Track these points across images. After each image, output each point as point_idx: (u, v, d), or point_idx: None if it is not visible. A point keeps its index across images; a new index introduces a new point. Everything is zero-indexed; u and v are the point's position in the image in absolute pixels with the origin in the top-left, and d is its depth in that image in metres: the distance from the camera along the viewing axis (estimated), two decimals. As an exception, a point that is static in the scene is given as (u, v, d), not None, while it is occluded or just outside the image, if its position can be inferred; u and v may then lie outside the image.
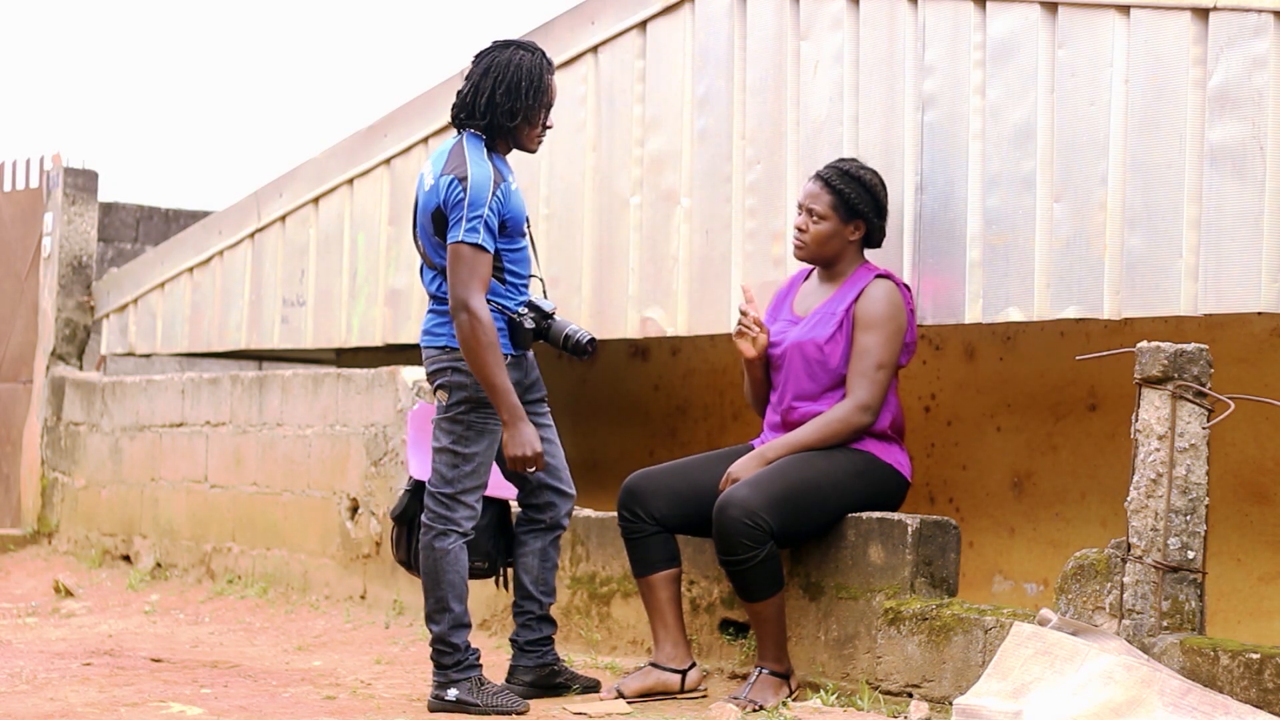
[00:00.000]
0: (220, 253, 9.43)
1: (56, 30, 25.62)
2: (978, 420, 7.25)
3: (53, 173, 10.43)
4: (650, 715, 5.49)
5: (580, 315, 7.38)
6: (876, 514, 5.67)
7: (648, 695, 5.69)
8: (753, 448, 5.85)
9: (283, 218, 9.01)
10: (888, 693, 5.49)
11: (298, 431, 8.38)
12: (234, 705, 5.63)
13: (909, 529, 5.54)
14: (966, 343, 7.32)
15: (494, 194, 5.47)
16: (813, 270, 6.00)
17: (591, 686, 5.83)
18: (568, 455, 5.96)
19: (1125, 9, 5.54)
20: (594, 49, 7.39)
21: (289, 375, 8.53)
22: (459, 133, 5.62)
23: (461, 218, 5.45)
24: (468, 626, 5.57)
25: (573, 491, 5.85)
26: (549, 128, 5.66)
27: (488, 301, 5.52)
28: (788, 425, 5.81)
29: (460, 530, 5.57)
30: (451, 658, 5.53)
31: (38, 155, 10.57)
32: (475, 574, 5.81)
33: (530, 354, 5.78)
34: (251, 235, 9.21)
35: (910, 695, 5.43)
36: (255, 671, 6.39)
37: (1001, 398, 7.17)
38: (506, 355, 5.60)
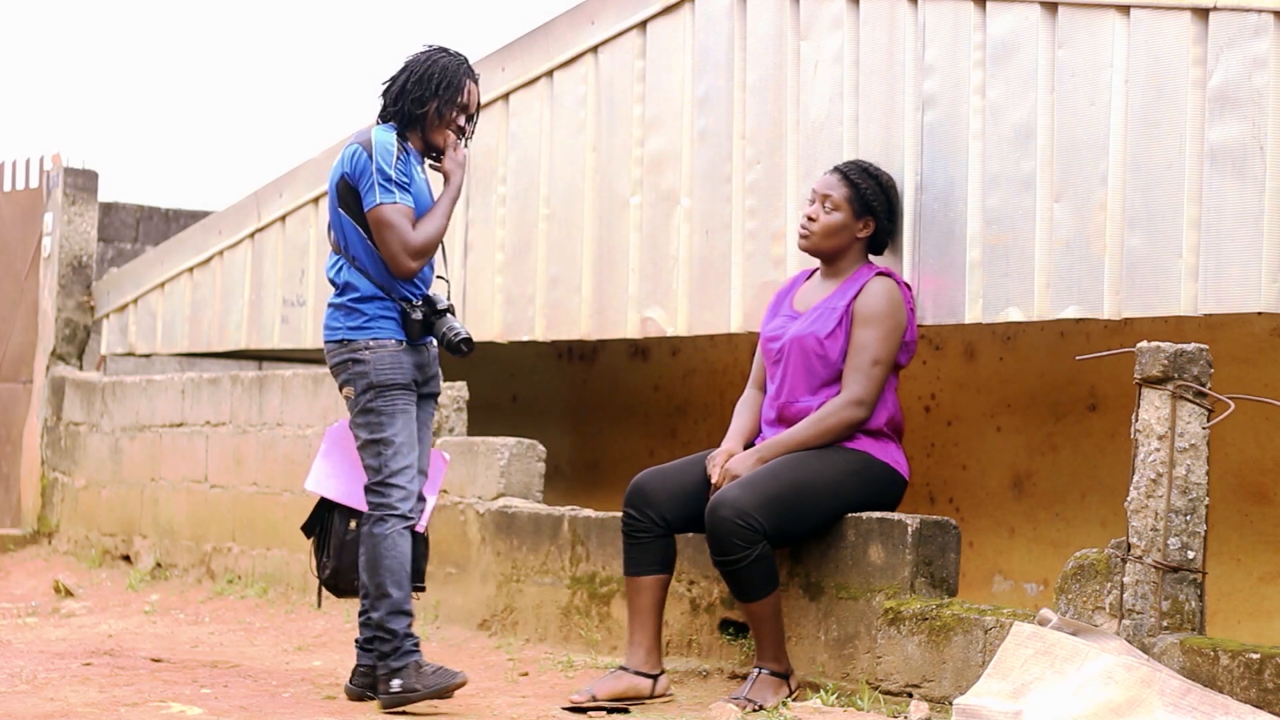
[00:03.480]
0: (220, 253, 9.43)
1: (56, 30, 25.62)
2: (978, 420, 7.25)
3: (53, 173, 10.43)
4: (650, 715, 5.49)
5: (580, 315, 7.38)
6: (876, 514, 5.67)
7: (619, 699, 5.64)
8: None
9: (283, 218, 9.01)
10: (888, 693, 5.49)
11: (298, 431, 8.38)
12: (234, 705, 5.63)
13: (909, 529, 5.54)
14: (966, 343, 7.32)
15: (398, 159, 5.58)
16: (815, 270, 6.01)
17: (442, 693, 5.70)
18: (568, 455, 5.96)
19: (1125, 9, 5.54)
20: (594, 49, 7.39)
21: (289, 375, 8.53)
22: None
23: (372, 183, 5.56)
24: (407, 614, 5.59)
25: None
26: (467, 136, 5.74)
27: (381, 293, 5.61)
28: (784, 420, 5.82)
29: (397, 513, 5.59)
30: (390, 644, 5.55)
31: (38, 155, 10.57)
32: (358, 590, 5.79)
33: (432, 351, 5.79)
34: (251, 235, 9.21)
35: (910, 695, 5.43)
36: (255, 671, 6.39)
37: (1001, 398, 7.17)
38: (401, 341, 5.64)
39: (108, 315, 10.28)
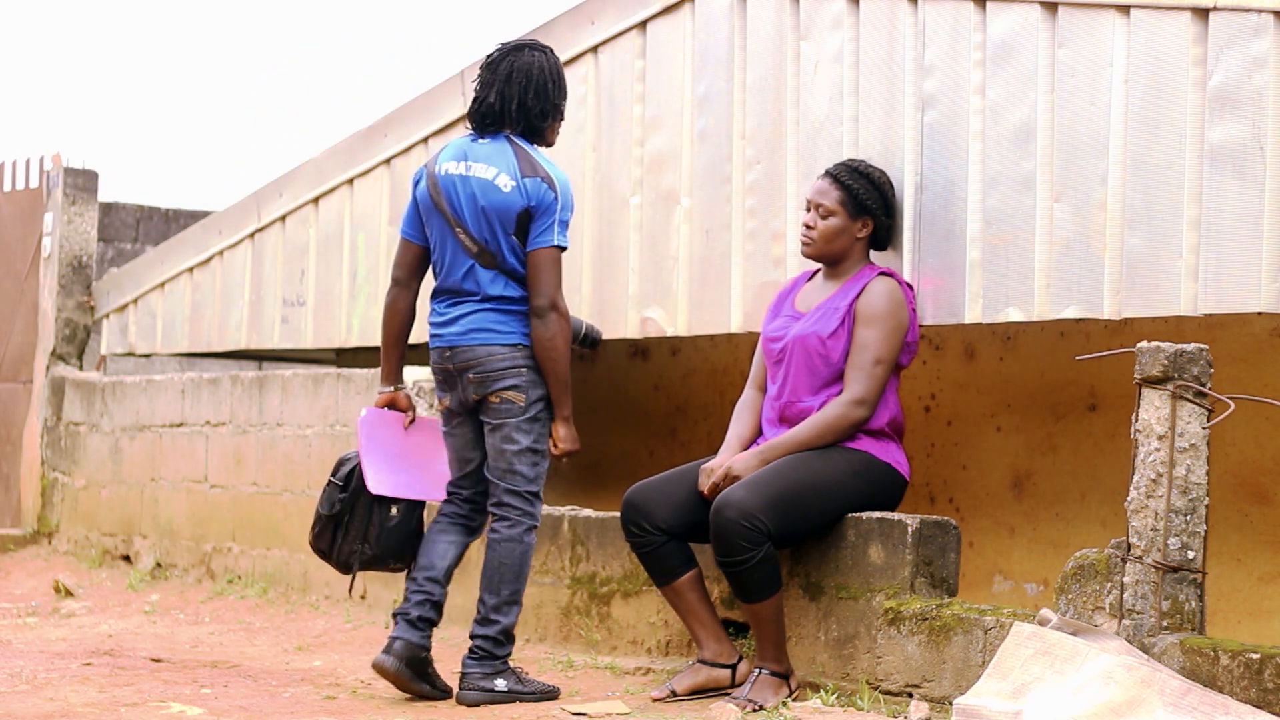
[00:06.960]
0: (220, 253, 9.43)
1: (56, 30, 25.63)
2: (978, 420, 7.25)
3: (53, 173, 10.43)
4: (650, 715, 5.49)
5: (580, 315, 7.37)
6: (876, 514, 5.67)
7: (699, 692, 5.74)
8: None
9: (283, 218, 9.01)
10: (888, 693, 5.49)
11: (298, 431, 8.38)
12: (234, 705, 5.64)
13: (909, 529, 5.54)
14: (966, 343, 7.32)
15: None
16: (817, 271, 6.02)
17: (443, 692, 5.81)
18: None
19: (1125, 9, 5.54)
20: (594, 49, 7.39)
21: (289, 375, 8.53)
22: (489, 136, 5.74)
23: (553, 222, 5.67)
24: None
25: None
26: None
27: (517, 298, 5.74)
28: (786, 420, 5.82)
29: (538, 525, 5.84)
30: (505, 649, 5.70)
31: (38, 155, 10.57)
32: (390, 569, 5.96)
33: None
34: (251, 235, 9.21)
35: (910, 695, 5.43)
36: (255, 671, 6.39)
37: (1001, 398, 7.17)
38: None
39: (108, 315, 10.28)
